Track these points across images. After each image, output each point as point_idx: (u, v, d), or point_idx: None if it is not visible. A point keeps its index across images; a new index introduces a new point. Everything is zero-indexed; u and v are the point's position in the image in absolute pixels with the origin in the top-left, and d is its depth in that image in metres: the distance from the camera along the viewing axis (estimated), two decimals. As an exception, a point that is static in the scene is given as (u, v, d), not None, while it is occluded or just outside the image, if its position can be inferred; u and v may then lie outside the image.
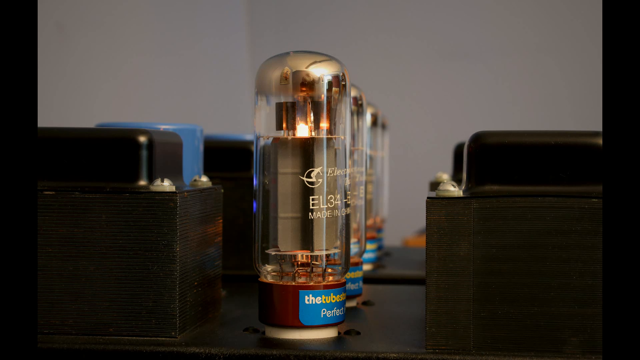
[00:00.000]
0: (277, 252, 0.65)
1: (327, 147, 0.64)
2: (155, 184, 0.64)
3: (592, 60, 2.11)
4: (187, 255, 0.65)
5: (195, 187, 0.69)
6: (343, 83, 0.66)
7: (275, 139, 0.65)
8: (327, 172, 0.64)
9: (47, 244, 0.64)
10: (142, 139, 0.65)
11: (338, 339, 0.64)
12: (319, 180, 0.64)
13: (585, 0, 2.16)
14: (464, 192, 0.62)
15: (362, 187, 0.79)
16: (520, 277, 0.60)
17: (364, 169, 0.80)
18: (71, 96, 1.36)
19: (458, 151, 1.06)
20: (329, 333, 0.64)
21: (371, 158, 1.03)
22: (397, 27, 2.30)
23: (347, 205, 0.65)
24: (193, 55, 1.92)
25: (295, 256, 0.65)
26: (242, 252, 0.90)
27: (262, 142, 0.66)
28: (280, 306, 0.63)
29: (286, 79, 0.64)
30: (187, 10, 1.91)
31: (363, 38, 2.30)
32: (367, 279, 0.89)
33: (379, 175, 1.10)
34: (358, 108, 0.81)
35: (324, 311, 0.63)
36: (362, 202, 0.79)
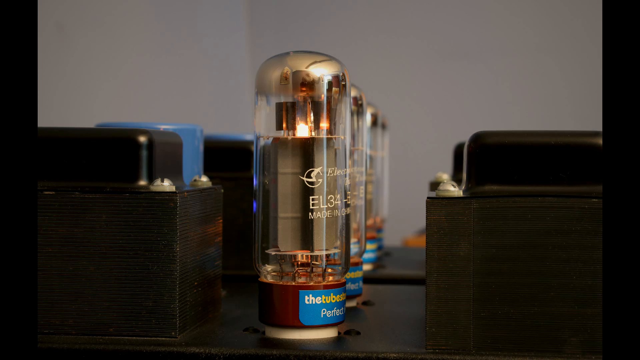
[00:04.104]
0: (277, 252, 0.65)
1: (327, 147, 0.64)
2: (155, 184, 0.64)
3: (592, 60, 2.11)
4: (187, 255, 0.65)
5: (195, 187, 0.69)
6: (343, 83, 0.66)
7: (275, 139, 0.65)
8: (327, 172, 0.64)
9: (47, 244, 0.64)
10: (142, 139, 0.65)
11: (338, 339, 0.64)
12: (319, 180, 0.64)
13: (585, 0, 2.16)
14: (464, 192, 0.62)
15: (362, 187, 0.79)
16: (520, 277, 0.60)
17: (364, 169, 0.80)
18: (71, 96, 1.36)
19: (458, 151, 1.06)
20: (329, 333, 0.64)
21: (371, 158, 1.03)
22: (397, 27, 2.30)
23: (347, 205, 0.65)
24: (193, 55, 1.92)
25: (295, 256, 0.65)
26: (242, 252, 0.90)
27: (262, 142, 0.66)
28: (280, 306, 0.63)
29: (286, 79, 0.64)
30: (187, 10, 1.91)
31: (363, 38, 2.30)
32: (367, 279, 0.89)
33: (379, 175, 1.10)
34: (358, 108, 0.81)
35: (324, 311, 0.63)
36: (362, 202, 0.79)
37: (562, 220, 0.59)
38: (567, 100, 2.20)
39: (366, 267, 0.95)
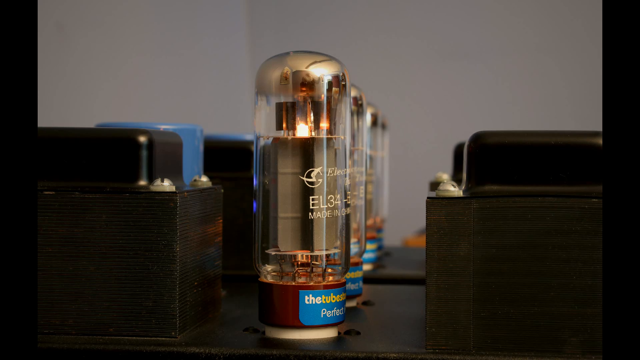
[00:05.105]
0: (277, 252, 0.65)
1: (327, 147, 0.64)
2: (155, 184, 0.64)
3: (592, 60, 2.11)
4: (187, 255, 0.65)
5: (195, 187, 0.69)
6: (343, 83, 0.66)
7: (275, 139, 0.65)
8: (327, 172, 0.64)
9: (47, 244, 0.64)
10: (142, 139, 0.65)
11: (338, 339, 0.64)
12: (319, 180, 0.64)
13: (585, 0, 2.16)
14: (464, 192, 0.62)
15: (362, 187, 0.79)
16: (520, 277, 0.60)
17: (364, 169, 0.80)
18: (71, 96, 1.36)
19: (458, 151, 1.06)
20: (329, 333, 0.64)
21: (371, 158, 1.03)
22: (397, 27, 2.30)
23: (347, 205, 0.65)
24: (193, 55, 1.92)
25: (295, 256, 0.65)
26: (242, 252, 0.90)
27: (262, 142, 0.66)
28: (280, 306, 0.63)
29: (286, 79, 0.64)
30: (187, 10, 1.91)
31: (363, 38, 2.30)
32: (367, 279, 0.89)
33: (379, 175, 1.10)
34: (358, 108, 0.81)
35: (324, 311, 0.63)
36: (362, 202, 0.79)
37: (562, 220, 0.59)
38: (567, 100, 2.19)
39: (366, 267, 0.95)
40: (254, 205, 0.66)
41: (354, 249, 0.78)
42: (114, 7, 1.52)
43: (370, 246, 0.98)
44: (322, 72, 0.64)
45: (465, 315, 0.60)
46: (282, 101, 0.65)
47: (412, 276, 0.95)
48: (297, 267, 0.65)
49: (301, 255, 0.65)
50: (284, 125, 0.65)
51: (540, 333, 0.59)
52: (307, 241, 0.64)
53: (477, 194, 0.61)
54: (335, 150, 0.65)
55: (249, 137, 0.99)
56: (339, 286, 0.64)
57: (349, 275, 0.76)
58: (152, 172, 0.65)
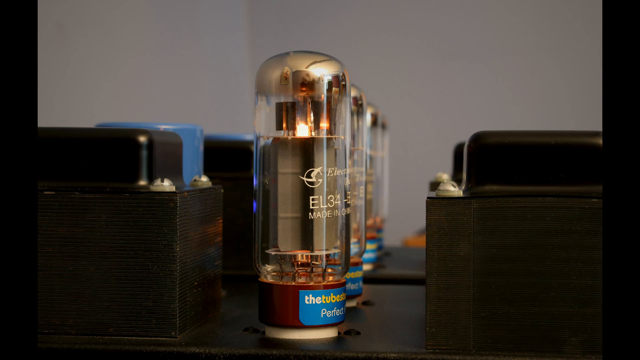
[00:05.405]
0: (277, 252, 0.65)
1: (327, 147, 0.64)
2: (155, 184, 0.64)
3: (592, 60, 2.11)
4: (187, 255, 0.65)
5: (195, 187, 0.69)
6: (343, 83, 0.66)
7: (275, 139, 0.65)
8: (327, 172, 0.64)
9: (47, 244, 0.64)
10: (142, 139, 0.65)
11: (338, 339, 0.64)
12: (319, 180, 0.64)
13: (585, 0, 2.16)
14: (464, 192, 0.62)
15: (362, 187, 0.79)
16: (520, 277, 0.60)
17: (364, 169, 0.80)
18: (71, 96, 1.36)
19: (458, 151, 1.06)
20: (329, 333, 0.64)
21: (371, 158, 1.03)
22: (397, 27, 2.30)
23: (347, 205, 0.65)
24: (193, 55, 1.92)
25: (295, 256, 0.65)
26: (242, 252, 0.90)
27: (262, 142, 0.66)
28: (280, 306, 0.63)
29: (286, 79, 0.64)
30: (187, 10, 1.91)
31: (363, 38, 2.30)
32: (367, 279, 0.89)
33: (379, 175, 1.10)
34: (358, 108, 0.81)
35: (324, 311, 0.63)
36: (362, 202, 0.79)
37: (562, 220, 0.59)
38: (567, 100, 2.19)
39: (366, 267, 0.95)
40: (254, 205, 0.66)
41: (354, 249, 0.78)
42: (114, 7, 1.52)
43: (370, 246, 0.98)
44: (322, 72, 0.64)
45: (465, 315, 0.60)
46: (282, 101, 0.65)
47: (412, 276, 0.95)
48: (297, 267, 0.65)
49: (301, 255, 0.65)
50: (284, 125, 0.65)
51: (540, 333, 0.59)
52: (307, 241, 0.64)
53: (477, 194, 0.61)
54: (335, 150, 0.65)
55: (249, 137, 0.99)
56: (339, 286, 0.64)
57: (349, 275, 0.76)
58: (152, 172, 0.65)
